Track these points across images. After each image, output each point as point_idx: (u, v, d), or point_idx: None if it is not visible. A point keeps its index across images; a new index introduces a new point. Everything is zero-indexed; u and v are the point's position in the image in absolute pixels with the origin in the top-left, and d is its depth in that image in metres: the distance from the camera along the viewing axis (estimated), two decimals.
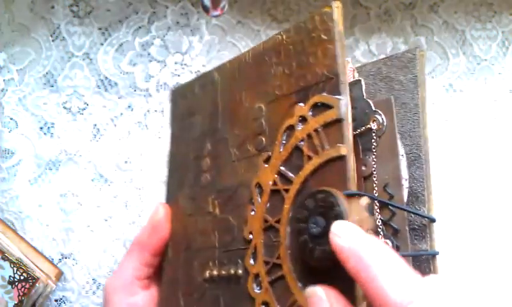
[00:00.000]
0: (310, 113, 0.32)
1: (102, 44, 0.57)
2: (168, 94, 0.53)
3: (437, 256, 0.34)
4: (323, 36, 0.32)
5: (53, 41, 0.57)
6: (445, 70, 0.58)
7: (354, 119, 0.35)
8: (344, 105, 0.30)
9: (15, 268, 0.53)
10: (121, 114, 0.57)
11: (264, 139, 0.35)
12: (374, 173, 0.34)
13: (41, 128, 0.57)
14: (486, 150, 0.58)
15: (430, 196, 0.34)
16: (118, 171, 0.57)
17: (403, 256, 0.30)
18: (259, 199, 0.34)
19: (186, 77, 0.57)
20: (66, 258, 0.56)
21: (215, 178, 0.39)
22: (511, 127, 0.58)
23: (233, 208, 0.37)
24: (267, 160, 0.34)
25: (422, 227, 0.34)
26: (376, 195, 0.34)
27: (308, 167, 0.31)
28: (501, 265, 0.56)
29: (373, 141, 0.35)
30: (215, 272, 0.37)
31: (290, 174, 0.32)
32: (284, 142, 0.33)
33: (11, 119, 0.57)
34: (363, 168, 0.35)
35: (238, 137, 0.38)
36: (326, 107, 0.31)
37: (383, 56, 0.57)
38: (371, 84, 0.38)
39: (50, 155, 0.57)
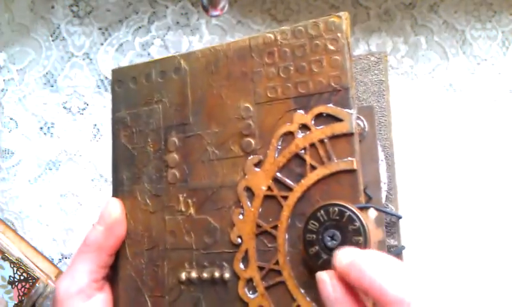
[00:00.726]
0: (313, 122, 0.32)
1: (102, 44, 0.57)
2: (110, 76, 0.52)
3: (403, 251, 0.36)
4: (329, 46, 0.32)
5: (53, 41, 0.57)
6: (445, 70, 0.58)
7: None
8: (354, 119, 0.31)
9: (15, 268, 0.53)
10: None
11: (253, 141, 0.35)
12: None
13: (41, 128, 0.57)
14: (486, 150, 0.58)
15: (397, 196, 0.37)
16: None
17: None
18: (249, 204, 0.34)
19: None
20: (66, 258, 0.56)
21: (186, 176, 0.38)
22: (511, 127, 0.58)
23: (213, 209, 0.36)
24: (258, 164, 0.34)
25: (391, 224, 0.36)
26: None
27: (312, 176, 0.31)
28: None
29: None
30: (193, 274, 0.36)
31: (289, 182, 0.32)
32: (279, 147, 0.33)
33: (11, 119, 0.57)
34: None
35: (217, 135, 0.37)
36: (333, 118, 0.31)
37: None
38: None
39: (50, 155, 0.57)
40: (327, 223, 0.30)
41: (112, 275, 0.40)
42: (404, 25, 0.58)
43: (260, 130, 0.34)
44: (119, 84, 0.45)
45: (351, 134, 0.31)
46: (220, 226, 0.35)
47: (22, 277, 0.53)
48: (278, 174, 0.33)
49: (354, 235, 0.29)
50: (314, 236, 0.30)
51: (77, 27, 0.57)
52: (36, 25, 0.57)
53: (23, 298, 0.52)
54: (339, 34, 0.32)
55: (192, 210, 0.37)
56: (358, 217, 0.29)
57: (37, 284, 0.53)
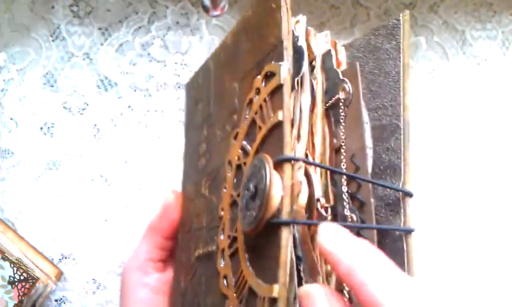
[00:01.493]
0: (263, 84, 0.31)
1: (102, 44, 0.57)
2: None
3: (412, 233, 0.30)
4: (273, 5, 0.32)
5: (53, 41, 0.57)
6: (445, 70, 0.58)
7: (326, 91, 0.35)
8: (284, 70, 0.29)
9: (15, 268, 0.53)
10: (121, 114, 0.57)
11: (235, 116, 0.35)
12: (343, 144, 0.33)
13: (41, 128, 0.57)
14: (485, 150, 0.58)
15: (406, 168, 0.31)
16: (118, 171, 0.57)
17: (369, 228, 0.30)
18: (229, 176, 0.35)
19: (186, 77, 0.57)
20: (66, 258, 0.56)
21: (208, 161, 0.40)
22: (511, 127, 0.58)
23: (215, 188, 0.37)
24: (235, 137, 0.35)
25: (396, 201, 0.31)
26: (344, 167, 0.33)
27: (258, 137, 0.31)
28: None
29: (341, 111, 0.34)
30: (200, 251, 0.38)
31: (248, 147, 0.32)
32: (247, 116, 0.33)
33: (11, 119, 0.57)
34: (335, 141, 0.34)
35: (221, 118, 0.38)
36: (272, 75, 0.30)
37: None
38: (361, 57, 0.37)
39: (50, 155, 0.57)
40: (250, 178, 0.29)
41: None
42: None
43: (239, 105, 0.35)
44: (187, 92, 0.50)
45: (281, 86, 0.29)
46: (217, 202, 0.36)
47: (22, 277, 0.53)
48: (244, 142, 0.33)
49: (260, 185, 0.27)
50: (242, 192, 0.29)
51: (77, 27, 0.57)
52: (36, 25, 0.57)
53: (23, 298, 0.52)
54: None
55: (207, 192, 0.39)
56: (264, 166, 0.27)
57: (37, 284, 0.53)
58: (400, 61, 0.33)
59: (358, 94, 0.33)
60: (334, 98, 0.34)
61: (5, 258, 0.52)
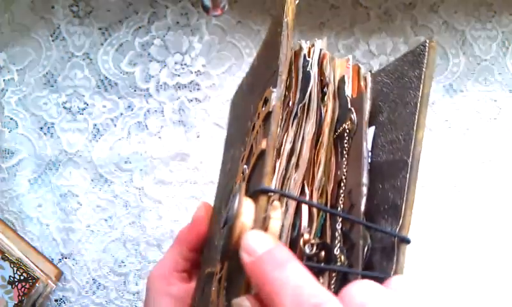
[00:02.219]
0: (263, 109, 0.31)
1: (102, 44, 0.57)
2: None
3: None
4: (278, 29, 0.31)
5: (53, 41, 0.57)
6: (445, 70, 0.58)
7: (338, 120, 0.33)
8: (275, 97, 0.28)
9: (15, 268, 0.53)
10: (121, 114, 0.57)
11: (247, 138, 0.35)
12: (343, 178, 0.31)
13: (41, 128, 0.57)
14: (486, 150, 0.58)
15: (407, 211, 0.28)
16: (118, 171, 0.57)
17: (350, 272, 0.27)
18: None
19: (186, 77, 0.57)
20: (66, 258, 0.56)
21: (229, 181, 0.39)
22: (511, 127, 0.58)
23: (225, 209, 0.37)
24: (242, 159, 0.34)
25: (391, 246, 0.28)
26: (342, 202, 0.30)
27: (251, 163, 0.30)
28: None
29: (345, 142, 0.32)
30: (209, 269, 0.37)
31: (246, 172, 0.32)
32: (250, 140, 0.33)
33: (11, 119, 0.57)
34: (339, 173, 0.32)
35: (240, 138, 0.37)
36: (266, 101, 0.30)
37: (382, 56, 0.57)
38: (389, 84, 0.34)
39: (50, 155, 0.57)
40: (228, 206, 0.28)
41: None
42: (404, 26, 0.58)
43: (250, 128, 0.35)
44: (232, 104, 0.49)
45: (270, 113, 0.28)
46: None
47: (22, 277, 0.53)
48: (244, 166, 0.32)
49: (227, 222, 0.26)
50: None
51: (77, 27, 0.57)
52: (36, 25, 0.57)
53: (23, 298, 0.52)
54: (282, 14, 0.30)
55: (223, 212, 0.39)
56: (235, 198, 0.26)
57: (37, 284, 0.53)
58: (419, 91, 0.30)
59: (362, 126, 0.31)
60: (341, 128, 0.32)
61: (5, 258, 0.52)
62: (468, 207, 0.57)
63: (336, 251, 0.29)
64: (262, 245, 0.23)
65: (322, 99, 0.33)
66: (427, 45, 0.31)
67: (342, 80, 0.34)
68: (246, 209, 0.26)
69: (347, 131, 0.32)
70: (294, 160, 0.30)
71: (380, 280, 0.25)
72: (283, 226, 0.29)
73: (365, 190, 0.29)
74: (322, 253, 0.29)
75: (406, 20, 0.58)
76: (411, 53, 0.33)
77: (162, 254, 0.57)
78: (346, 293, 0.21)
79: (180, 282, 0.41)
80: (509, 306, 0.57)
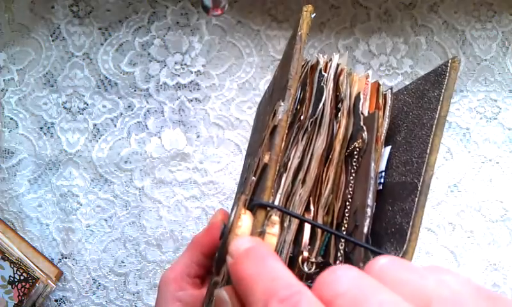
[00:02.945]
0: (271, 122, 0.30)
1: (102, 44, 0.57)
2: None
3: None
4: (293, 42, 0.30)
5: (53, 41, 0.57)
6: None
7: (351, 137, 0.32)
8: (281, 111, 0.28)
9: (15, 268, 0.53)
10: (121, 114, 0.57)
11: (259, 149, 0.35)
12: (349, 197, 0.30)
13: (41, 128, 0.57)
14: (486, 150, 0.58)
15: (413, 236, 0.27)
16: (118, 171, 0.57)
17: None
18: None
19: (186, 77, 0.57)
20: (66, 258, 0.56)
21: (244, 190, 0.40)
22: (511, 127, 0.58)
23: None
24: (252, 171, 0.34)
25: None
26: (346, 222, 0.30)
27: (257, 176, 0.30)
28: None
29: (354, 160, 0.31)
30: (216, 278, 0.37)
31: (252, 185, 0.32)
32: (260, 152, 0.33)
33: (11, 119, 0.57)
34: (347, 191, 0.31)
35: (256, 149, 0.37)
36: (275, 114, 0.29)
37: (382, 56, 0.57)
38: (410, 103, 0.33)
39: (50, 155, 0.57)
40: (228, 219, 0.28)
41: None
42: (404, 26, 0.58)
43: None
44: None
45: (275, 127, 0.28)
46: None
47: (22, 277, 0.53)
48: (253, 178, 0.32)
49: (223, 235, 0.26)
50: None
51: (77, 27, 0.57)
52: (36, 25, 0.57)
53: (23, 298, 0.52)
54: (297, 37, 0.30)
55: None
56: (232, 212, 0.26)
57: (37, 284, 0.53)
58: (436, 113, 0.29)
59: (371, 146, 0.31)
60: (352, 146, 0.32)
61: (5, 258, 0.52)
62: (468, 207, 0.57)
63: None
64: (243, 245, 0.23)
65: (336, 115, 0.32)
66: (449, 64, 0.30)
67: (357, 97, 0.33)
68: (243, 223, 0.25)
69: (357, 149, 0.31)
70: (301, 175, 0.30)
71: None
72: (284, 241, 0.28)
73: (369, 212, 0.29)
74: None
75: (406, 20, 0.58)
76: (433, 72, 0.32)
77: (162, 255, 0.57)
78: (320, 281, 0.20)
79: (191, 287, 0.40)
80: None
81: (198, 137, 0.57)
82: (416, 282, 0.19)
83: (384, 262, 0.20)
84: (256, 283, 0.20)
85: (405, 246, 0.27)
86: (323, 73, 0.33)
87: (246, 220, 0.26)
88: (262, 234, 0.26)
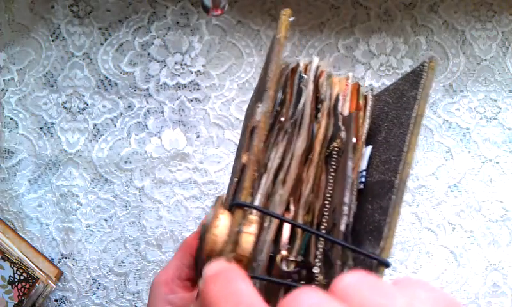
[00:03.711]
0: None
1: (102, 44, 0.57)
2: None
3: None
4: (272, 45, 0.31)
5: (53, 41, 0.57)
6: (445, 70, 0.58)
7: (331, 137, 0.33)
8: (260, 113, 0.28)
9: (15, 268, 0.53)
10: (121, 114, 0.57)
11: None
12: (328, 196, 0.31)
13: (41, 128, 0.57)
14: (486, 150, 0.58)
15: (390, 233, 0.27)
16: (118, 171, 0.57)
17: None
18: None
19: (186, 77, 0.57)
20: (66, 258, 0.56)
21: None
22: (511, 127, 0.58)
23: None
24: (235, 172, 0.34)
25: (371, 268, 0.27)
26: (325, 221, 0.30)
27: (237, 176, 0.30)
28: None
29: (333, 160, 0.32)
30: None
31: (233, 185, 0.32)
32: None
33: (11, 119, 0.57)
34: (327, 190, 0.31)
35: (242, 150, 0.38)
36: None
37: (382, 56, 0.57)
38: (390, 103, 0.33)
39: (50, 155, 0.57)
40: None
41: None
42: (404, 26, 0.58)
43: None
44: None
45: (253, 128, 0.28)
46: None
47: (22, 277, 0.53)
48: (235, 179, 0.32)
49: (202, 235, 0.27)
50: None
51: (77, 27, 0.57)
52: (36, 25, 0.57)
53: (23, 298, 0.52)
54: (276, 40, 0.30)
55: None
56: (209, 211, 0.26)
57: (37, 284, 0.53)
58: (414, 112, 0.29)
59: (348, 145, 0.31)
60: (331, 146, 0.32)
61: (5, 258, 0.52)
62: (468, 207, 0.57)
63: (316, 270, 0.28)
64: (214, 268, 0.23)
65: (316, 116, 0.33)
66: (426, 64, 0.30)
67: (337, 98, 0.34)
68: (220, 222, 0.26)
69: (337, 149, 0.32)
70: (281, 176, 0.30)
71: None
72: (265, 241, 0.28)
73: (346, 210, 0.29)
74: (304, 271, 0.29)
75: (406, 20, 0.58)
76: (412, 72, 0.32)
77: (162, 255, 0.57)
78: (288, 301, 0.20)
79: (182, 290, 0.40)
80: (507, 301, 0.57)
81: (198, 137, 0.57)
82: (384, 306, 0.18)
83: (349, 281, 0.20)
84: (221, 306, 0.20)
85: (381, 243, 0.27)
86: (303, 75, 0.33)
87: (223, 220, 0.26)
88: (239, 233, 0.26)
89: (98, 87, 0.57)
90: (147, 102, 0.57)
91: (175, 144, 0.57)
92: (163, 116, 0.57)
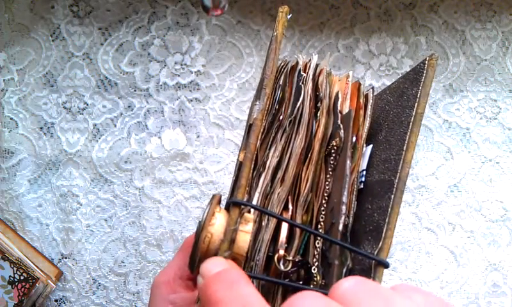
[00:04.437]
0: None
1: (102, 44, 0.57)
2: None
3: None
4: (269, 45, 0.31)
5: (53, 41, 0.57)
6: (445, 70, 0.58)
7: (330, 136, 0.32)
8: (256, 110, 0.28)
9: (15, 268, 0.53)
10: (121, 114, 0.57)
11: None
12: (326, 195, 0.31)
13: (41, 128, 0.57)
14: (486, 150, 0.58)
15: (388, 233, 0.27)
16: (118, 171, 0.57)
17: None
18: None
19: (186, 77, 0.57)
20: (66, 258, 0.56)
21: None
22: (511, 127, 0.58)
23: None
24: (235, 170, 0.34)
25: (369, 269, 0.27)
26: (323, 220, 0.30)
27: (234, 174, 0.30)
28: None
29: (331, 159, 0.31)
30: None
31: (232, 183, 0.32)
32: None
33: (11, 119, 0.57)
34: (325, 189, 0.31)
35: None
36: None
37: (382, 56, 0.57)
38: (391, 102, 0.33)
39: (50, 155, 0.57)
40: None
41: None
42: (404, 26, 0.58)
43: None
44: None
45: (250, 126, 0.28)
46: None
47: (22, 277, 0.53)
48: (233, 178, 0.32)
49: (197, 232, 0.27)
50: None
51: (77, 27, 0.57)
52: (36, 25, 0.57)
53: (23, 298, 0.52)
54: (273, 38, 0.30)
55: None
56: (205, 213, 0.26)
57: (37, 284, 0.53)
58: (413, 111, 0.29)
59: (347, 144, 0.31)
60: (330, 145, 0.32)
61: (5, 258, 0.52)
62: (468, 207, 0.57)
63: (314, 270, 0.28)
64: (214, 268, 0.23)
65: (316, 114, 0.33)
66: (426, 62, 0.30)
67: (336, 96, 0.34)
68: (216, 220, 0.26)
69: (335, 148, 0.31)
70: (279, 174, 0.30)
71: None
72: (262, 240, 0.28)
73: (344, 209, 0.29)
74: (302, 271, 0.29)
75: (406, 20, 0.58)
76: (413, 70, 0.32)
77: (162, 255, 0.57)
78: (289, 305, 0.20)
79: (184, 290, 0.40)
80: (507, 301, 0.57)
81: (198, 137, 0.57)
82: None
83: (347, 286, 0.20)
84: None
85: (380, 243, 0.27)
86: (302, 73, 0.33)
87: (220, 218, 0.26)
88: (235, 231, 0.26)
89: (98, 87, 0.57)
90: (147, 102, 0.57)
91: (175, 144, 0.57)
92: (163, 116, 0.57)
